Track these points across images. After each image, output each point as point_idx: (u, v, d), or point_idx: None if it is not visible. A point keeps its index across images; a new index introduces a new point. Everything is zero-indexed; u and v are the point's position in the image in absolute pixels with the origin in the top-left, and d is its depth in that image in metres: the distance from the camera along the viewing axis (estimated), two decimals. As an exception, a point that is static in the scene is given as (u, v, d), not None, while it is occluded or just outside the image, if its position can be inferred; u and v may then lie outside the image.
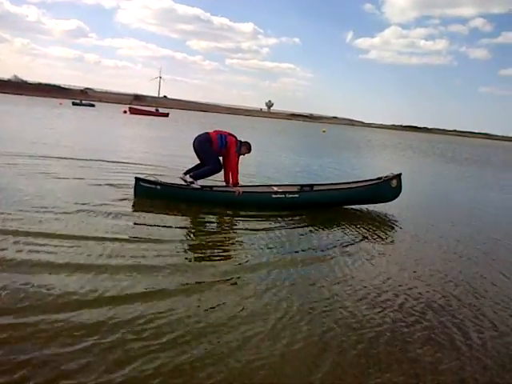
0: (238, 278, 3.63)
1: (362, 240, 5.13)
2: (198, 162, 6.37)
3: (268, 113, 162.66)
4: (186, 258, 4.03)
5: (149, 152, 12.32)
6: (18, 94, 72.71)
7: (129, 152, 11.67)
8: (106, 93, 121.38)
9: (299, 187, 6.79)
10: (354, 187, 6.63)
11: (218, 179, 6.77)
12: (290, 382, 2.37)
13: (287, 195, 6.22)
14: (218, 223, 5.54)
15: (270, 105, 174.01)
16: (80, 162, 8.72)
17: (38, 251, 3.66)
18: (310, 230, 5.30)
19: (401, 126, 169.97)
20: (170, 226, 4.93)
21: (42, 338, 2.46)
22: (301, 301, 3.28)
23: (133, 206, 5.69)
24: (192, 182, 6.14)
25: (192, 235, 4.87)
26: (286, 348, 2.62)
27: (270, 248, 4.45)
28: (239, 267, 3.87)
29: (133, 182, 6.04)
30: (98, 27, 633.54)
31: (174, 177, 7.22)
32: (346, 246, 4.84)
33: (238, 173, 6.26)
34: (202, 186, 6.25)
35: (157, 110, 50.24)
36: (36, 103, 46.56)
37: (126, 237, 4.33)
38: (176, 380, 2.26)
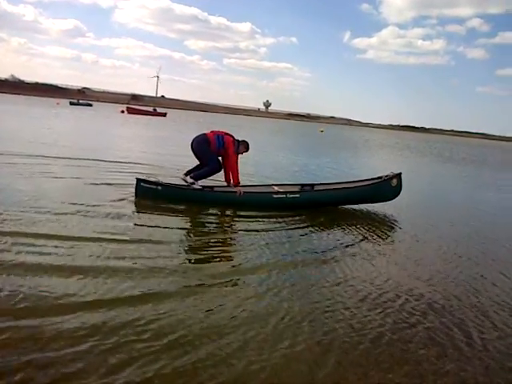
0: (239, 278, 3.61)
1: (362, 240, 5.12)
2: (198, 162, 6.35)
3: (266, 112, 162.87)
4: (187, 259, 4.02)
5: (147, 152, 12.29)
6: (15, 94, 72.58)
7: (127, 152, 11.64)
8: (103, 92, 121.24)
9: (300, 187, 6.79)
10: (354, 187, 6.63)
11: (218, 179, 6.76)
12: (291, 383, 2.36)
13: (288, 195, 6.21)
14: (218, 224, 5.54)
15: (267, 104, 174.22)
16: (78, 162, 8.69)
17: (37, 252, 3.63)
18: (311, 231, 5.29)
19: (398, 125, 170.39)
20: (171, 227, 4.90)
21: (42, 340, 2.44)
22: (302, 301, 3.27)
23: (133, 206, 5.66)
24: (193, 183, 6.13)
25: (193, 236, 4.85)
26: (288, 349, 2.61)
27: (271, 249, 4.43)
28: (240, 268, 3.86)
29: (131, 182, 6.03)
30: (96, 27, 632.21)
31: (173, 176, 7.21)
32: (347, 246, 4.83)
33: (238, 173, 6.25)
34: (203, 187, 6.24)
35: (154, 110, 50.19)
36: (33, 103, 46.39)
37: (126, 238, 4.31)
38: (177, 382, 2.24)
